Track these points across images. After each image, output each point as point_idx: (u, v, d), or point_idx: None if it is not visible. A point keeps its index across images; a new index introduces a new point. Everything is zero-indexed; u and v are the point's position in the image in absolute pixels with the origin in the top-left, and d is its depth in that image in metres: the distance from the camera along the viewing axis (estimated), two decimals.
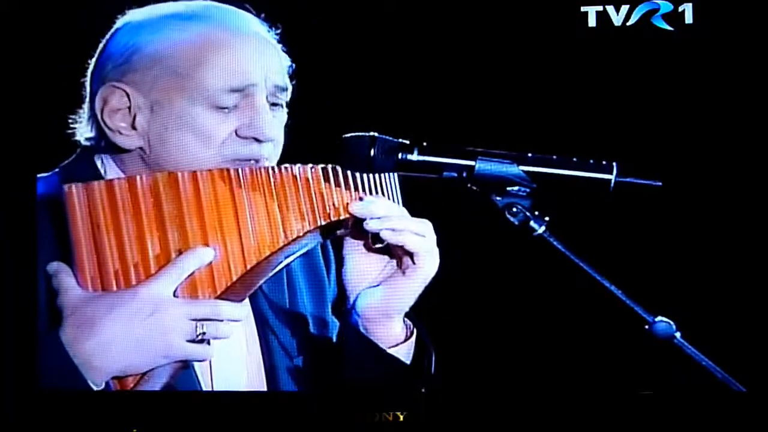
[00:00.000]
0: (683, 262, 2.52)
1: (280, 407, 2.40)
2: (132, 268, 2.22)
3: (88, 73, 2.39)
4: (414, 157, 2.26)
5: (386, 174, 2.33)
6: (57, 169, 2.39)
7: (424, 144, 2.28)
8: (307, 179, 2.27)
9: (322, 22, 2.58)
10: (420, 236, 2.29)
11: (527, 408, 2.41)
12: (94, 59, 2.38)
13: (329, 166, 2.28)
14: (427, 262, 2.30)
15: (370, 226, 2.28)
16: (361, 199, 2.29)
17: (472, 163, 2.25)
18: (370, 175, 2.31)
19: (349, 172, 2.28)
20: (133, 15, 2.39)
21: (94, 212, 2.22)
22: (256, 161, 2.32)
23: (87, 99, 2.39)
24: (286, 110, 2.38)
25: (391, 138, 2.29)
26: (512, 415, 2.40)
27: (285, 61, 2.38)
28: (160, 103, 2.30)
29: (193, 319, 2.20)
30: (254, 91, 2.31)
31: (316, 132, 2.41)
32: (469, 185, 2.25)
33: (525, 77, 2.67)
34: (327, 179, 2.28)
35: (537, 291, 2.56)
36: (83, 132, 2.41)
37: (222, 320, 2.22)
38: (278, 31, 2.39)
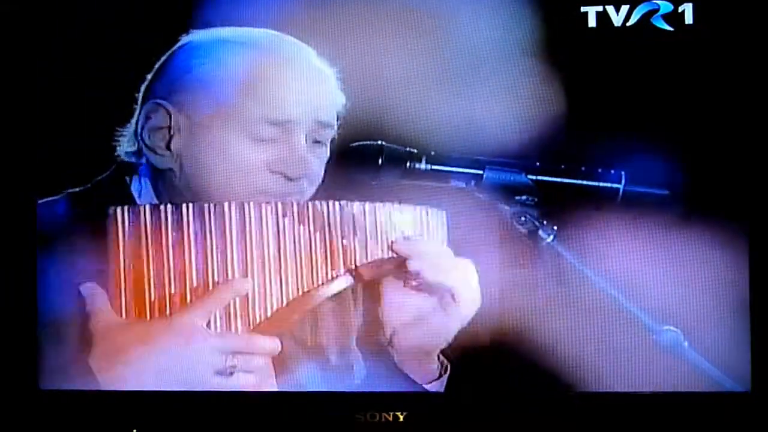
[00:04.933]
0: (691, 268, 2.53)
1: (280, 407, 2.40)
2: (168, 297, 2.17)
3: (142, 89, 2.35)
4: (422, 166, 2.26)
5: (433, 211, 2.28)
6: (89, 185, 2.35)
7: (432, 153, 2.28)
8: (353, 216, 2.21)
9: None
10: (461, 276, 2.25)
11: (527, 409, 2.42)
12: (149, 76, 2.34)
13: (378, 203, 2.23)
14: (468, 301, 2.26)
15: (412, 266, 2.23)
16: (406, 237, 2.24)
17: (480, 172, 2.26)
18: (418, 213, 2.26)
19: (396, 209, 2.23)
20: (194, 36, 2.34)
21: (136, 237, 2.16)
22: (286, 197, 2.26)
23: (136, 114, 2.34)
24: (328, 147, 2.33)
25: (399, 147, 2.29)
26: (512, 415, 2.42)
27: (339, 99, 2.33)
28: (199, 127, 2.27)
29: (225, 352, 2.16)
30: (293, 128, 2.27)
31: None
32: (477, 194, 2.26)
33: (524, 78, 2.66)
34: (374, 216, 2.22)
35: (543, 298, 2.57)
36: (125, 147, 2.36)
37: (254, 354, 2.18)
38: (339, 69, 2.34)
